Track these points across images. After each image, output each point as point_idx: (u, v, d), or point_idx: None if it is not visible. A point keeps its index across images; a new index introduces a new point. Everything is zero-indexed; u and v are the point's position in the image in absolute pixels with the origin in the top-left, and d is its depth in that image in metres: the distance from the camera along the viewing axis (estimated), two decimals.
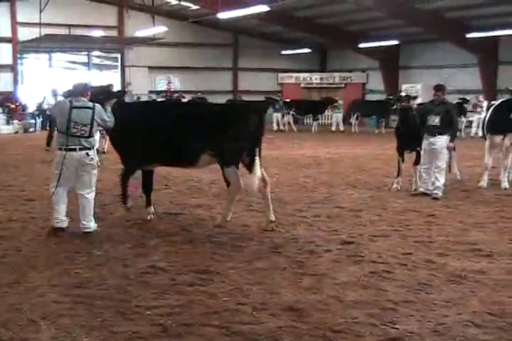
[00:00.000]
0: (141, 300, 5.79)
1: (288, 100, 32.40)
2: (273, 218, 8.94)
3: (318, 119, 32.39)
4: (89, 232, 8.40)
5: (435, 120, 11.18)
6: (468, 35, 27.26)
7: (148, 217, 9.40)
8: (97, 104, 8.45)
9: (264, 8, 25.45)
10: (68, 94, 8.62)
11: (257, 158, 8.62)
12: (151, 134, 8.94)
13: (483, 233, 8.64)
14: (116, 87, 10.62)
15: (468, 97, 26.83)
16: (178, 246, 7.80)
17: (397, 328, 5.15)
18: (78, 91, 8.49)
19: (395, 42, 31.86)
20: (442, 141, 11.22)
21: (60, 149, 8.24)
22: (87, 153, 8.23)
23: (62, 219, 8.42)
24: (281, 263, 7.09)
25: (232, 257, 7.33)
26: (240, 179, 8.77)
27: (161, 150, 8.98)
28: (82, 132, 8.19)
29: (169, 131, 8.90)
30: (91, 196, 8.45)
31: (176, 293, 6.03)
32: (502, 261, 7.16)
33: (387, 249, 7.71)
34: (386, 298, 5.88)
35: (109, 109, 8.77)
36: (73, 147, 8.14)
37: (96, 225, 8.57)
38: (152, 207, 9.56)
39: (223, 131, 8.57)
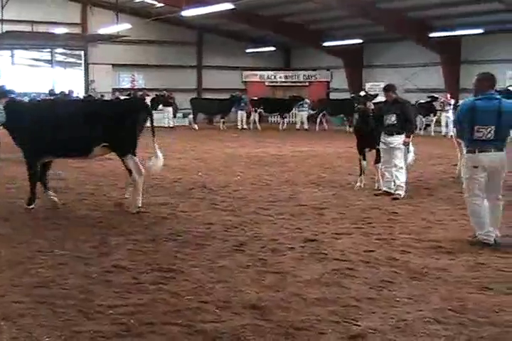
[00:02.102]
0: (103, 300, 5.74)
1: (256, 98, 32.41)
2: (140, 204, 9.66)
3: (285, 117, 32.49)
4: None
5: (391, 118, 11.25)
6: (431, 35, 27.62)
7: (55, 199, 10.04)
8: None
9: (228, 6, 25.39)
10: None
11: (155, 144, 9.76)
12: (45, 130, 9.67)
13: (445, 230, 8.71)
14: (10, 87, 12.38)
15: (435, 95, 27.11)
16: (141, 245, 7.75)
17: (359, 325, 5.18)
18: None
19: (359, 40, 32.04)
20: (398, 139, 11.28)
21: None
22: None
23: None
24: (245, 261, 7.09)
25: (195, 255, 7.30)
26: (139, 164, 9.73)
27: (55, 143, 9.71)
28: None
29: (63, 127, 9.65)
30: None
31: (139, 291, 5.99)
32: (463, 258, 7.23)
33: (350, 247, 7.74)
34: (349, 295, 5.91)
35: (0, 106, 9.76)
36: None
37: None
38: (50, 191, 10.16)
39: (117, 125, 9.60)
